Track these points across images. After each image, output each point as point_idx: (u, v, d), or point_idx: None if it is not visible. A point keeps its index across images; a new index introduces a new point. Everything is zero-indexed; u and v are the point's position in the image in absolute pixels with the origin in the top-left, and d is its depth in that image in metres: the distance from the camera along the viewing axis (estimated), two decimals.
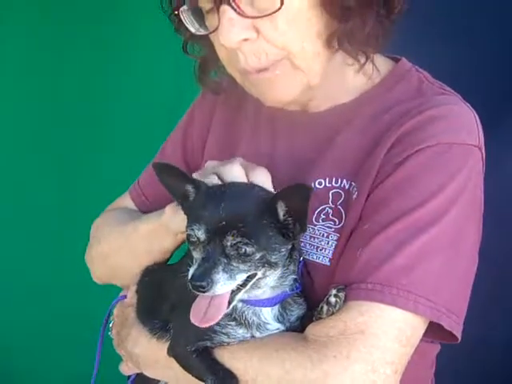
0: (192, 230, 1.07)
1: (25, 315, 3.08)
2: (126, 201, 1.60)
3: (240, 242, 1.04)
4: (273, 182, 1.22)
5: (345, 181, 1.26)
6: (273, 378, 1.10)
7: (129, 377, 1.40)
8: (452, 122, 1.24)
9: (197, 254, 1.08)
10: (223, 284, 1.04)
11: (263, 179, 1.20)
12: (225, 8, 1.17)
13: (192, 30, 1.26)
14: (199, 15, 1.25)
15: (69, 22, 2.96)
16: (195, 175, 1.23)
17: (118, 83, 2.93)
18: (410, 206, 1.16)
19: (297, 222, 1.09)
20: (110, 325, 1.42)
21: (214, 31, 1.21)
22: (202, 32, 1.25)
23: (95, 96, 2.99)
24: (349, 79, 1.34)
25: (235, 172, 1.20)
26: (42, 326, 3.05)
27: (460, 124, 1.24)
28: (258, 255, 1.06)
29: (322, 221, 1.25)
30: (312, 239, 1.25)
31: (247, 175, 1.20)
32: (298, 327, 1.18)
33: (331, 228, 1.24)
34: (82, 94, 3.00)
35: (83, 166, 3.02)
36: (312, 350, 1.10)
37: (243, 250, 1.05)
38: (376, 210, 1.19)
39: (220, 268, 1.04)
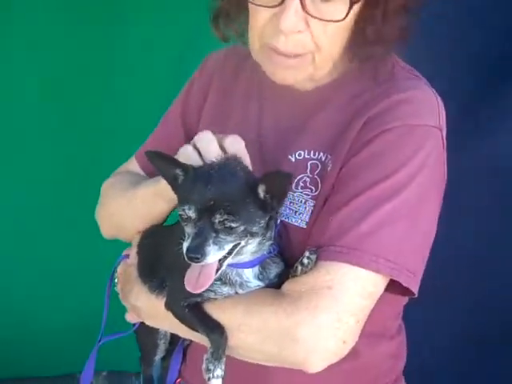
0: (183, 210, 1.22)
1: (40, 268, 3.29)
2: (133, 165, 1.73)
3: (227, 219, 1.19)
4: (259, 151, 1.36)
5: (322, 153, 1.40)
6: (253, 326, 1.27)
7: (134, 324, 1.58)
8: (416, 105, 1.37)
9: (188, 229, 1.22)
10: (213, 254, 1.20)
11: (236, 145, 1.33)
12: None
13: None
14: None
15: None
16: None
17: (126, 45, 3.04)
18: (375, 179, 1.30)
19: (274, 200, 1.24)
20: (116, 280, 1.59)
21: (273, 7, 1.30)
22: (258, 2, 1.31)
23: (107, 57, 3.08)
24: (336, 63, 1.44)
25: (209, 140, 1.33)
26: (56, 277, 3.28)
27: (423, 107, 1.37)
28: (241, 228, 1.21)
29: (301, 188, 1.39)
30: (291, 204, 1.39)
31: (221, 144, 1.33)
32: (276, 283, 1.33)
33: (308, 195, 1.39)
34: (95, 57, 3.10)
35: (95, 128, 3.14)
36: (286, 303, 1.26)
37: (229, 225, 1.20)
38: (346, 182, 1.33)
39: (210, 241, 1.19)
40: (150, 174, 1.64)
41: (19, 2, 3.03)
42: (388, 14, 1.35)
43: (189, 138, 1.43)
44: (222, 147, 1.33)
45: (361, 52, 1.40)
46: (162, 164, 1.30)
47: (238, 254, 1.26)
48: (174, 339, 1.61)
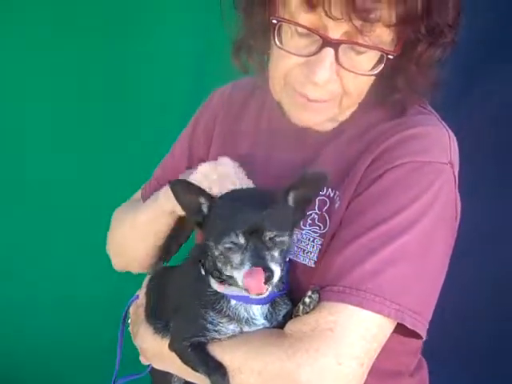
0: (231, 240, 1.21)
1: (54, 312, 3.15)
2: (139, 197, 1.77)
3: (276, 234, 1.21)
4: (266, 185, 1.36)
5: (330, 189, 1.38)
6: (255, 369, 1.24)
7: (148, 365, 1.57)
8: (426, 141, 1.34)
9: (237, 258, 1.22)
10: (277, 269, 1.20)
11: (228, 164, 1.39)
12: (330, 51, 1.25)
13: (278, 42, 1.29)
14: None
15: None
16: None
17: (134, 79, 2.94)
18: (382, 217, 1.27)
19: (299, 209, 1.27)
20: (128, 321, 1.60)
21: (306, 56, 1.28)
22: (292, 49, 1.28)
23: (108, 94, 2.96)
24: None
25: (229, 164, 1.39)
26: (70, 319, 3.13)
27: (433, 143, 1.34)
28: (286, 239, 1.24)
29: (309, 226, 1.38)
30: (299, 242, 1.37)
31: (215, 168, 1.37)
32: (282, 324, 1.30)
33: (316, 233, 1.37)
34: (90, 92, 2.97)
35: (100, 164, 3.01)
36: (288, 344, 1.23)
37: (279, 239, 1.22)
38: (353, 219, 1.31)
39: (268, 259, 1.20)
40: None
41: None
42: (421, 66, 1.34)
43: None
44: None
45: (389, 98, 1.39)
46: (185, 195, 1.27)
47: None
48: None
